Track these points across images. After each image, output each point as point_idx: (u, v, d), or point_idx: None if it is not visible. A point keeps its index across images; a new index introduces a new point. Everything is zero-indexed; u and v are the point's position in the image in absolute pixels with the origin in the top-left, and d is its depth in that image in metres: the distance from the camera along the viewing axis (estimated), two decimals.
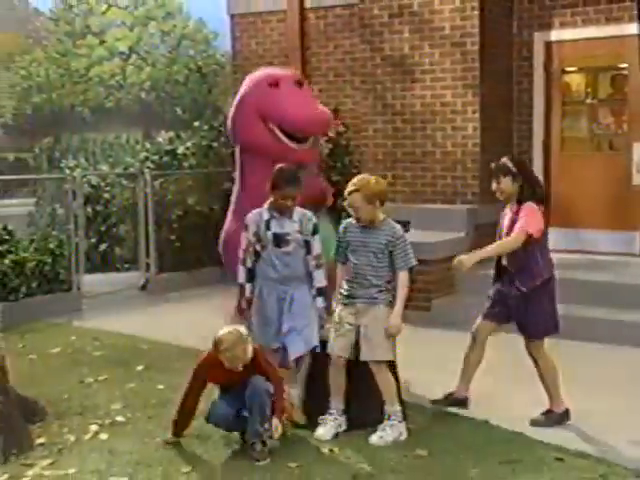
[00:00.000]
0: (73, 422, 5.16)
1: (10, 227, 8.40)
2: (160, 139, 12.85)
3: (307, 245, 4.89)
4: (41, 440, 4.85)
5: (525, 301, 5.03)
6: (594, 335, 6.88)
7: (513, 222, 5.01)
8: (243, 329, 4.56)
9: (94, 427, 5.05)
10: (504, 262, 5.12)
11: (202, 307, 8.51)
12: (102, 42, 30.66)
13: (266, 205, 4.94)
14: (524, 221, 4.93)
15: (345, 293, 4.88)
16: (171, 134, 12.42)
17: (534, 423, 5.02)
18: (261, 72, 6.72)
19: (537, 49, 8.91)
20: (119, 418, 5.23)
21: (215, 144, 10.91)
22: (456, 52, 8.52)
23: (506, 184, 5.04)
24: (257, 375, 4.52)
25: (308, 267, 4.92)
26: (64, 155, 18.33)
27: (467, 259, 4.89)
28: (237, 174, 6.72)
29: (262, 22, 10.63)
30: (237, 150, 6.68)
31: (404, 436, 4.78)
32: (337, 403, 4.88)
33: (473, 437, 4.84)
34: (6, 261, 8.00)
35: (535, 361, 5.14)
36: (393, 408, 4.82)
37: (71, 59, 30.13)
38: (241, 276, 5.00)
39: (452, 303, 7.88)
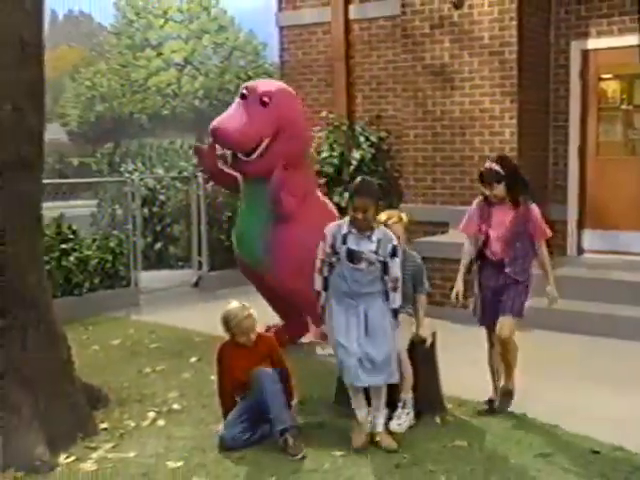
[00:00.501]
0: (133, 409, 5.23)
1: (74, 227, 8.48)
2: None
3: (384, 266, 4.48)
4: (104, 425, 4.92)
5: (514, 287, 4.96)
6: (629, 333, 6.77)
7: (520, 222, 4.93)
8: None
9: (152, 414, 5.12)
10: (491, 254, 5.01)
11: (251, 303, 8.47)
12: (159, 54, 30.99)
13: (347, 218, 4.58)
14: (541, 226, 4.97)
15: None
16: None
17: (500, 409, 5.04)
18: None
19: (574, 57, 8.77)
20: (175, 406, 5.29)
21: None
22: (495, 60, 8.44)
23: (499, 190, 4.93)
24: (257, 368, 4.55)
25: (383, 287, 4.53)
26: (123, 159, 18.49)
27: (554, 290, 5.02)
28: None
29: (308, 33, 10.61)
30: None
31: (413, 422, 4.84)
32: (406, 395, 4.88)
33: (510, 430, 4.80)
34: (71, 258, 8.10)
35: (502, 342, 5.00)
36: (408, 396, 4.83)
37: (131, 70, 30.53)
38: (317, 284, 4.66)
39: None
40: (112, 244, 8.64)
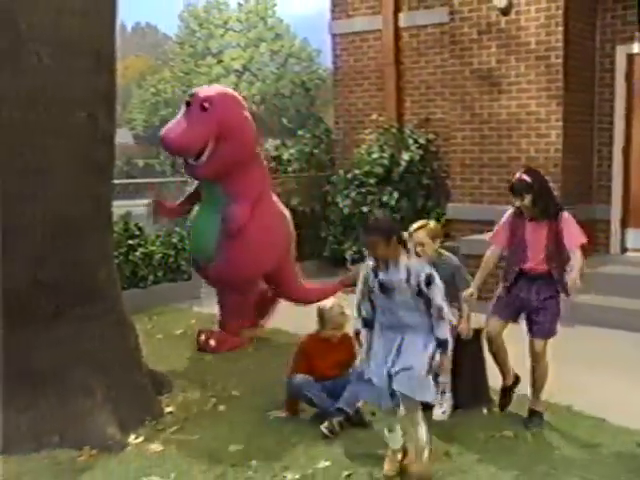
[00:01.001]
0: (195, 395, 5.27)
1: (140, 224, 8.55)
2: (267, 146, 12.93)
3: (421, 294, 4.11)
4: (169, 409, 4.97)
5: (550, 305, 4.73)
6: None
7: (555, 237, 4.67)
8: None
9: (213, 400, 5.15)
10: (528, 269, 4.75)
11: None
12: (220, 61, 31.26)
13: None
14: (575, 234, 4.70)
15: None
16: (277, 142, 12.49)
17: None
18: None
19: (619, 61, 8.58)
20: (234, 392, 5.32)
21: (316, 151, 10.97)
22: (541, 65, 8.31)
23: (529, 200, 4.69)
24: None
25: (426, 319, 4.13)
26: None
27: (576, 279, 4.65)
28: None
29: (360, 40, 10.59)
30: None
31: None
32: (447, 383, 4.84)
33: (557, 421, 4.71)
34: (137, 253, 8.20)
35: (534, 358, 4.78)
36: (446, 380, 4.76)
37: (193, 77, 30.84)
38: (356, 324, 4.39)
39: None
40: (174, 240, 8.70)
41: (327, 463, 4.12)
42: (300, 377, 4.79)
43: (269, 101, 29.61)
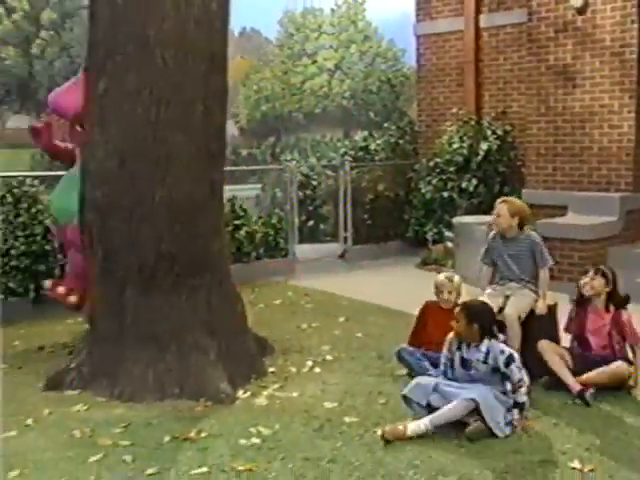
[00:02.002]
0: (294, 357, 5.32)
1: (244, 206, 8.65)
2: (356, 137, 12.88)
3: (498, 371, 4.02)
4: (271, 369, 5.04)
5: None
6: None
7: (615, 329, 4.59)
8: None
9: (309, 363, 5.19)
10: (590, 352, 4.67)
11: (389, 273, 8.54)
12: (314, 62, 31.27)
13: None
14: (634, 331, 4.61)
15: None
16: (365, 133, 12.41)
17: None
18: None
19: None
20: (328, 357, 5.34)
21: (401, 141, 10.86)
22: (615, 60, 7.96)
23: (599, 282, 4.63)
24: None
25: (495, 385, 4.04)
26: (283, 151, 18.86)
27: None
28: None
29: (442, 41, 10.38)
30: None
31: None
32: None
33: (625, 393, 4.53)
34: (241, 232, 8.30)
35: None
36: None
37: (290, 76, 30.99)
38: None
39: None
40: (274, 221, 8.79)
41: (408, 419, 4.08)
42: (406, 348, 4.80)
43: (358, 97, 29.48)
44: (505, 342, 4.27)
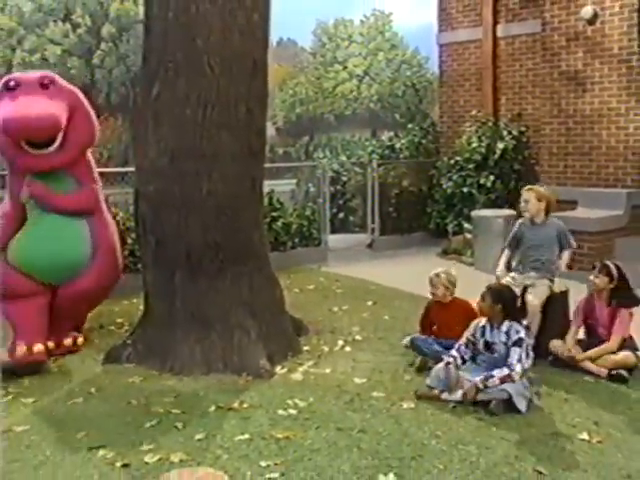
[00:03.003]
0: (326, 337, 5.30)
1: (281, 200, 8.60)
2: (383, 137, 12.75)
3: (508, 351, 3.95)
4: (306, 348, 5.02)
5: None
6: None
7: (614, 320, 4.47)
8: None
9: (341, 342, 5.16)
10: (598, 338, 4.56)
11: (412, 261, 8.46)
12: (345, 68, 31.13)
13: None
14: (623, 327, 4.45)
15: None
16: (391, 134, 12.32)
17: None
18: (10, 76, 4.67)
19: None
20: (357, 337, 5.31)
21: (424, 141, 10.74)
22: (622, 67, 7.76)
23: (602, 280, 4.50)
24: None
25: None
26: (316, 149, 18.76)
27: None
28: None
29: (463, 49, 10.23)
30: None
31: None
32: None
33: (635, 372, 4.42)
34: (278, 223, 8.26)
35: None
36: (531, 341, 4.44)
37: (323, 81, 30.91)
38: (453, 354, 4.12)
39: None
40: (307, 213, 8.74)
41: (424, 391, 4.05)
42: (419, 337, 4.69)
43: (385, 100, 29.29)
44: (527, 327, 4.16)
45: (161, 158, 4.67)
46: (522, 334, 3.95)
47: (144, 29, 4.83)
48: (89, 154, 4.99)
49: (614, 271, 4.52)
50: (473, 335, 4.12)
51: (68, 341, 4.87)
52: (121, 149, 21.79)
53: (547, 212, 4.95)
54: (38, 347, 4.48)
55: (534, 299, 4.69)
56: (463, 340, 4.17)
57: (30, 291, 4.61)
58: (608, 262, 4.63)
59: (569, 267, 5.04)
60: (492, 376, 3.85)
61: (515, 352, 3.88)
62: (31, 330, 4.54)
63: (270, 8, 4.92)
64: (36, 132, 4.36)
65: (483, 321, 4.11)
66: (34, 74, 4.63)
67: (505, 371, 3.85)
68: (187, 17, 4.56)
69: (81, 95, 4.89)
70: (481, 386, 3.84)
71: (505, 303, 4.01)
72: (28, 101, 4.34)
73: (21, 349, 4.43)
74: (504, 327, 3.99)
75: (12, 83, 4.47)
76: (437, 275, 4.69)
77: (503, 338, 3.98)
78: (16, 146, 4.45)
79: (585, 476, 3.17)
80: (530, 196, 4.91)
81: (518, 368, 3.84)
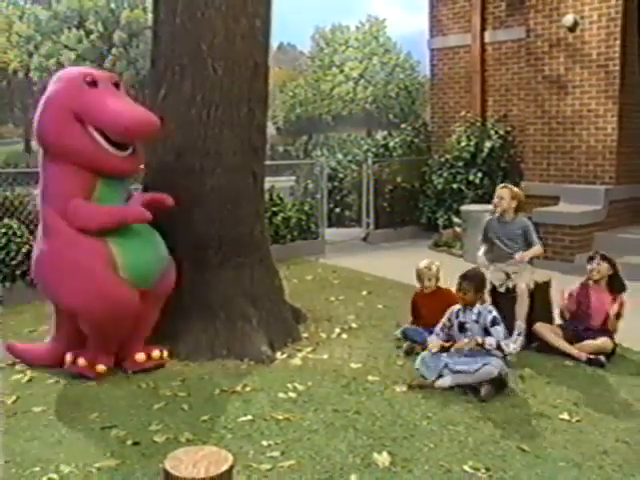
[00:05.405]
0: (324, 325, 5.27)
1: (281, 195, 8.59)
2: (378, 136, 12.70)
3: (485, 330, 3.90)
4: (305, 335, 5.00)
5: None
6: None
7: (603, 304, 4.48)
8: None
9: (337, 330, 5.14)
10: (591, 325, 4.52)
11: (405, 253, 8.44)
12: (341, 71, 31.08)
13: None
14: (618, 312, 4.45)
15: None
16: (385, 133, 12.27)
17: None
18: (75, 69, 4.14)
19: None
20: (353, 325, 5.29)
21: (416, 140, 10.70)
22: (601, 72, 7.74)
23: (603, 268, 4.50)
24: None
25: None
26: (314, 148, 18.72)
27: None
28: (41, 185, 4.03)
29: (453, 53, 10.18)
30: (41, 155, 4.02)
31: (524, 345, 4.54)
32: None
33: (613, 358, 4.43)
34: (278, 217, 8.24)
35: None
36: (523, 324, 4.56)
37: (321, 83, 30.83)
38: (433, 337, 4.12)
39: None
40: (306, 208, 8.70)
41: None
42: (409, 327, 4.69)
43: (379, 101, 29.26)
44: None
45: (168, 155, 4.65)
46: (495, 312, 3.93)
47: (152, 35, 4.80)
48: None
49: (612, 258, 4.55)
50: (449, 319, 4.09)
51: (156, 353, 4.29)
52: None
53: (517, 210, 4.93)
54: (101, 367, 4.08)
55: (522, 283, 4.67)
56: (440, 325, 4.12)
57: (137, 306, 4.03)
58: (603, 252, 4.64)
59: (545, 257, 4.99)
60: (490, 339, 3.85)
61: (497, 331, 3.85)
62: (106, 350, 4.11)
63: (271, 14, 4.89)
64: (151, 135, 4.00)
65: (458, 306, 4.09)
66: (102, 72, 4.14)
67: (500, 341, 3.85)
68: (193, 23, 4.53)
69: None
70: (480, 341, 3.83)
71: (482, 289, 4.03)
72: (131, 102, 3.98)
73: (83, 362, 4.07)
74: (475, 309, 3.96)
75: (89, 79, 3.91)
76: (429, 268, 4.66)
77: (474, 317, 3.94)
78: (97, 146, 3.86)
79: (565, 452, 3.18)
80: (505, 193, 4.88)
81: (511, 348, 3.94)
